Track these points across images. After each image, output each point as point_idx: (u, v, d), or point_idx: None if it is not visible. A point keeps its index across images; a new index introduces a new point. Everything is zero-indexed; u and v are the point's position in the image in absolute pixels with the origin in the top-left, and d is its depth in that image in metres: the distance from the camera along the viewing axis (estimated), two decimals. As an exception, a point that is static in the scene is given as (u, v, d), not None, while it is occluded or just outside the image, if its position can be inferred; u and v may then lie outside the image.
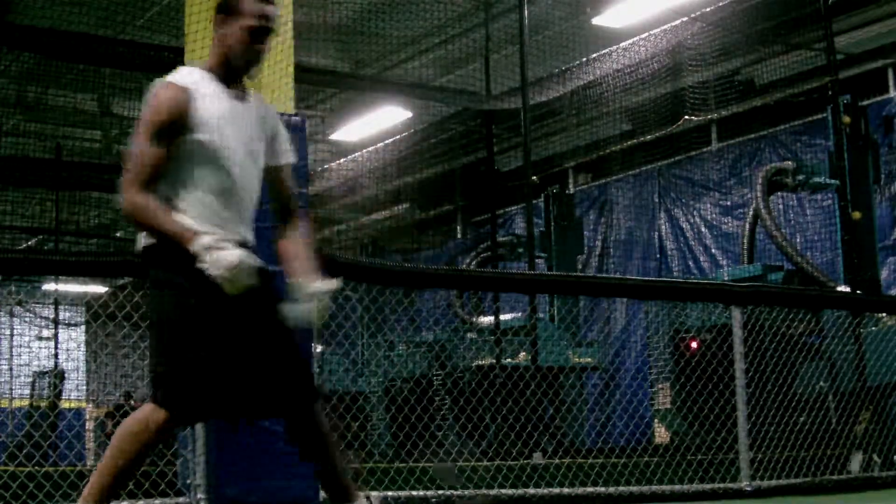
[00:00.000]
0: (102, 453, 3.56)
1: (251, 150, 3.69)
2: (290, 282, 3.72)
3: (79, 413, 16.74)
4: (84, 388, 17.18)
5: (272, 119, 3.82)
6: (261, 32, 3.65)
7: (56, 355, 16.10)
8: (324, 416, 3.79)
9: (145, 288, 3.69)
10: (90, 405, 17.75)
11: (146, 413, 3.49)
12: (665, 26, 12.73)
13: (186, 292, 3.53)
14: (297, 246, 3.83)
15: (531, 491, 6.39)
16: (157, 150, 3.51)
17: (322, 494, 5.36)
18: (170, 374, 3.51)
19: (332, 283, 3.74)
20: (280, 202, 3.87)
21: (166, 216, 3.51)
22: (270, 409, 3.75)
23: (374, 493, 4.12)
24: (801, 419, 8.26)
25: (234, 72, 3.68)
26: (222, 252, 3.45)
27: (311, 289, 3.69)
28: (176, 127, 3.53)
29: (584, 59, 13.42)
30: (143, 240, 3.62)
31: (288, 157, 3.87)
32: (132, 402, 16.38)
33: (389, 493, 5.88)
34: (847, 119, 10.62)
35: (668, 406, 11.91)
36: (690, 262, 16.40)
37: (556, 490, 6.53)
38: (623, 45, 13.08)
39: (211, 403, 3.59)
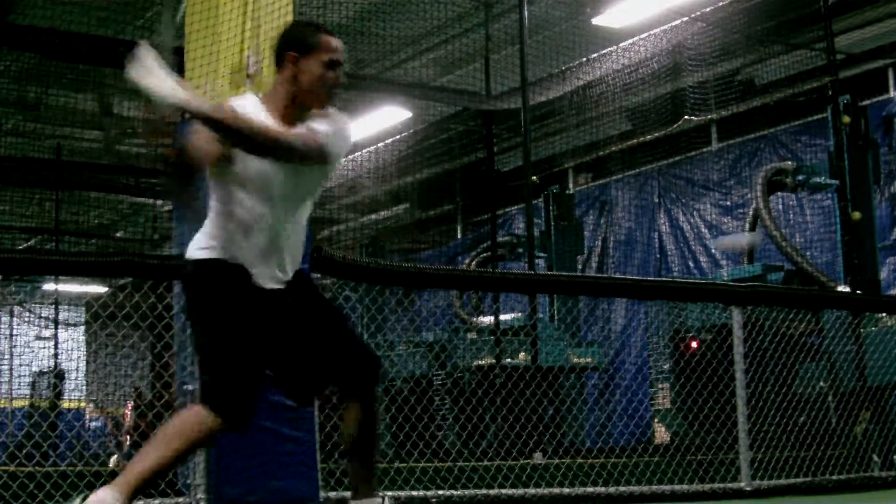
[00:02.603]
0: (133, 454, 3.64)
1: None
2: None
3: (78, 413, 16.76)
4: (84, 388, 17.19)
5: None
6: (337, 64, 3.73)
7: (56, 355, 16.09)
8: (378, 406, 3.91)
9: (192, 297, 3.76)
10: (90, 405, 17.75)
11: (200, 416, 3.56)
12: (665, 26, 12.72)
13: (240, 305, 3.65)
14: None
15: (531, 491, 6.39)
16: None
17: (322, 494, 5.37)
18: (225, 383, 3.61)
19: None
20: None
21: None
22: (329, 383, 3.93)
23: (389, 494, 4.18)
24: (801, 419, 8.26)
25: (304, 108, 3.73)
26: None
27: None
28: None
29: (584, 59, 13.41)
30: (195, 252, 3.71)
31: None
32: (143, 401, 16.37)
33: (389, 493, 5.88)
34: (847, 119, 10.62)
35: (668, 406, 11.91)
36: (690, 263, 16.39)
37: (556, 490, 6.53)
38: (623, 45, 13.07)
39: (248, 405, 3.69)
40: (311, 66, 3.69)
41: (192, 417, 3.57)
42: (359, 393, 3.86)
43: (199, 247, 3.70)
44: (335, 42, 3.74)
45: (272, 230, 3.69)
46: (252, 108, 3.69)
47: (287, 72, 3.70)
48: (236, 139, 3.53)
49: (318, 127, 3.66)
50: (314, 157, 3.64)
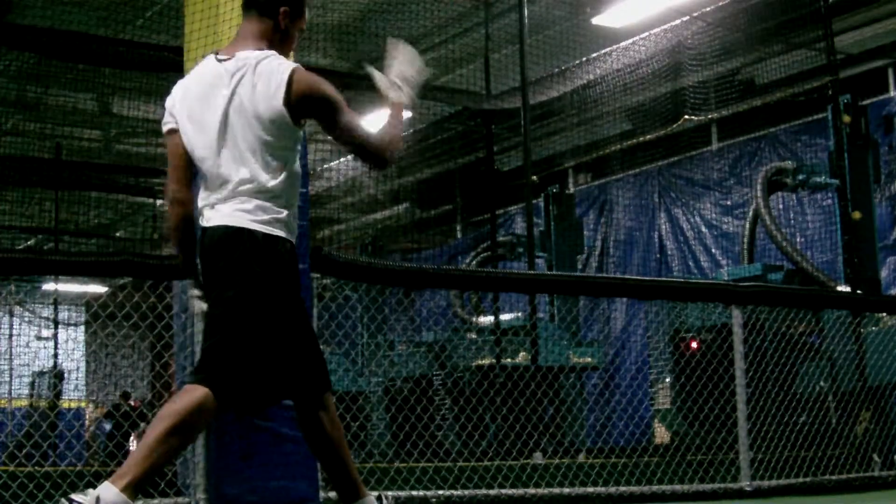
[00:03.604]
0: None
1: None
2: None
3: (78, 413, 16.76)
4: (84, 387, 17.19)
5: None
6: (302, 32, 4.01)
7: (56, 355, 16.09)
8: (334, 410, 3.85)
9: (238, 271, 3.70)
10: (90, 405, 17.76)
11: (195, 396, 3.54)
12: (665, 26, 12.72)
13: (283, 291, 3.71)
14: None
15: (531, 491, 6.39)
16: None
17: (322, 495, 5.36)
18: (233, 362, 3.61)
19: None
20: None
21: (388, 125, 3.99)
22: (286, 392, 3.86)
23: (388, 493, 4.14)
24: (801, 419, 8.26)
25: None
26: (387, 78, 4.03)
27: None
28: None
29: (584, 59, 13.40)
30: (265, 226, 3.71)
31: None
32: (130, 403, 16.39)
33: (389, 494, 5.87)
34: (847, 119, 10.61)
35: (668, 406, 11.91)
36: (690, 262, 16.39)
37: (556, 490, 6.52)
38: (623, 44, 13.07)
39: (258, 391, 3.73)
40: (294, 29, 3.92)
41: (189, 400, 3.54)
42: (318, 401, 3.85)
43: (276, 219, 3.75)
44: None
45: None
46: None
47: (272, 24, 3.86)
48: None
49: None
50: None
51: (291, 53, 4.00)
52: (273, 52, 3.81)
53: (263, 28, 3.84)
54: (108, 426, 17.14)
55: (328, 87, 3.76)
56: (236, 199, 3.73)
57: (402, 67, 4.04)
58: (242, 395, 3.66)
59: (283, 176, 3.76)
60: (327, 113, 3.76)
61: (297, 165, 3.86)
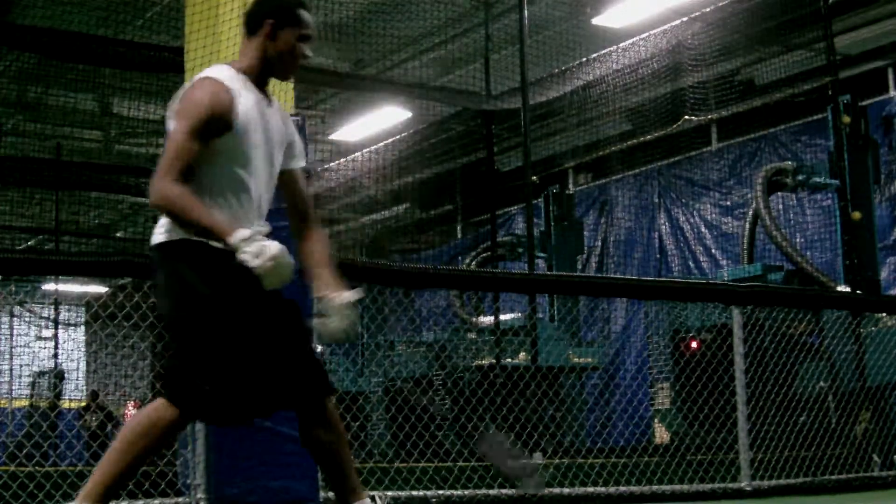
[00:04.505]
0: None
1: (270, 154, 3.72)
2: (319, 296, 3.71)
3: (78, 413, 16.76)
4: (84, 388, 17.19)
5: (290, 124, 3.88)
6: (308, 38, 3.74)
7: (56, 355, 16.10)
8: (336, 414, 3.80)
9: (159, 283, 3.63)
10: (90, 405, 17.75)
11: (157, 409, 3.49)
12: (665, 26, 12.73)
13: (208, 289, 3.53)
14: (318, 253, 3.85)
15: (531, 491, 6.39)
16: (195, 145, 3.51)
17: (322, 494, 5.37)
18: (185, 371, 3.52)
19: (358, 293, 3.74)
20: (295, 206, 3.89)
21: (202, 208, 3.48)
22: (283, 401, 3.73)
23: (385, 493, 4.12)
24: (801, 419, 8.26)
25: (269, 75, 3.75)
26: (264, 243, 3.42)
27: (342, 302, 3.65)
28: (217, 126, 3.54)
29: (584, 59, 13.41)
30: (160, 236, 3.61)
31: (301, 161, 3.90)
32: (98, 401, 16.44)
33: (389, 493, 5.88)
34: (847, 119, 10.61)
35: (668, 406, 11.91)
36: (690, 262, 16.39)
37: (556, 490, 6.53)
38: (623, 45, 13.08)
39: (226, 403, 3.56)
40: (287, 37, 3.70)
41: (150, 413, 3.50)
42: (319, 408, 3.75)
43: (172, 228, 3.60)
44: (310, 17, 3.77)
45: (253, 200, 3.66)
46: (241, 86, 3.65)
47: (261, 38, 3.71)
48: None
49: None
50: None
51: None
52: (224, 66, 3.71)
53: (253, 46, 3.73)
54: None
55: (195, 103, 3.55)
56: (159, 219, 3.69)
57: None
58: (208, 405, 3.53)
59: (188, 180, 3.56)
60: (176, 116, 3.59)
61: (213, 168, 3.60)
